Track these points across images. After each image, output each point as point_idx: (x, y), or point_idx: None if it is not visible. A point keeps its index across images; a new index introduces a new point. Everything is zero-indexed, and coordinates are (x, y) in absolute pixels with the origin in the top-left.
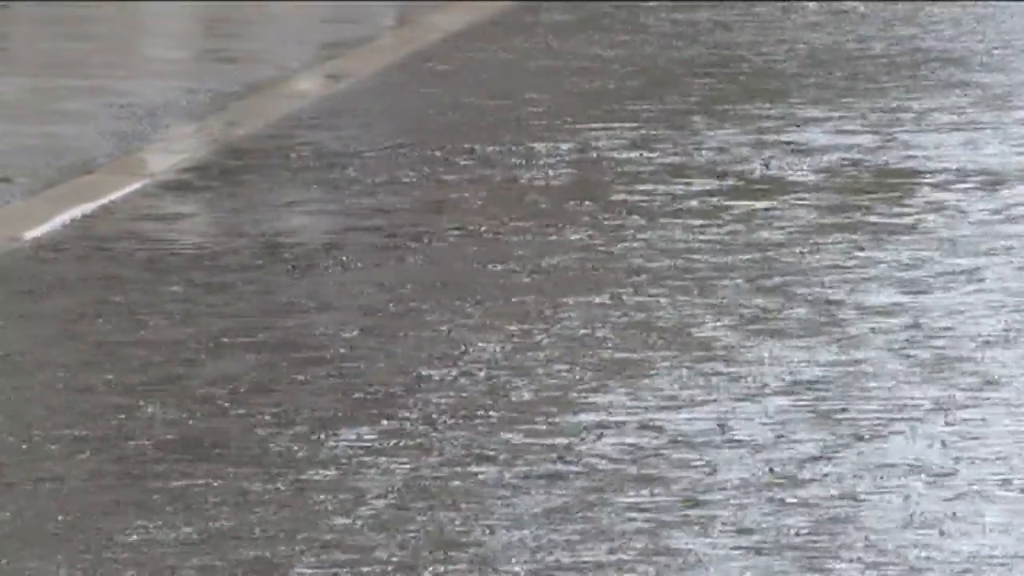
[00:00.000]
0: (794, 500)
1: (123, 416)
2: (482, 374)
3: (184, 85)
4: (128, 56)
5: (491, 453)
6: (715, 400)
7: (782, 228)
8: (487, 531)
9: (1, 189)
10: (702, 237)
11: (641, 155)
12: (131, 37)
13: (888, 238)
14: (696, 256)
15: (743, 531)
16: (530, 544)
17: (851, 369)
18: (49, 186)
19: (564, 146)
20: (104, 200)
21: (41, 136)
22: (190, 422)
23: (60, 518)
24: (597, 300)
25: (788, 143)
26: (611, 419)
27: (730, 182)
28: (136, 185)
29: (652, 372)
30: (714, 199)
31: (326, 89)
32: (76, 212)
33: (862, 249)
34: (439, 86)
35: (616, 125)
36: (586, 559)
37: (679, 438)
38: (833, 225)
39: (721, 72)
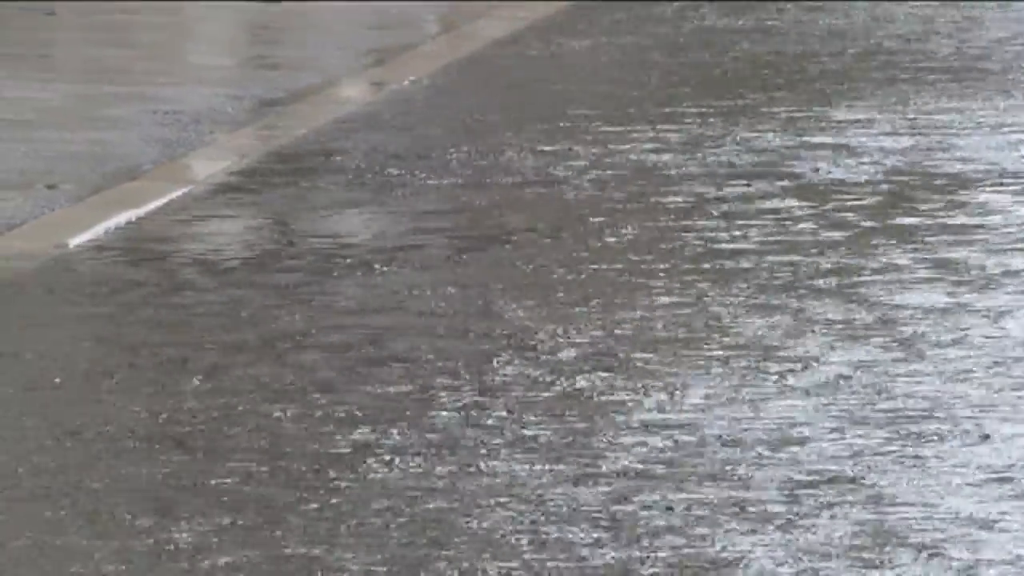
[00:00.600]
0: (843, 500)
1: (172, 420)
2: (556, 373)
3: (228, 92)
4: (172, 63)
5: (573, 454)
6: (771, 398)
7: (832, 229)
8: (550, 525)
9: (47, 196)
10: (751, 236)
11: (690, 156)
12: (175, 44)
13: (937, 239)
14: (744, 256)
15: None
16: (583, 540)
17: (901, 369)
18: (94, 192)
19: (612, 147)
20: (149, 206)
21: (86, 143)
22: (246, 424)
23: (119, 517)
24: (646, 302)
25: (836, 145)
26: (667, 418)
27: (781, 183)
28: (181, 191)
29: (720, 371)
30: (762, 200)
31: (370, 95)
32: (121, 218)
33: (913, 250)
34: (484, 91)
35: (666, 126)
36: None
37: (726, 436)
38: (883, 227)
39: (767, 74)
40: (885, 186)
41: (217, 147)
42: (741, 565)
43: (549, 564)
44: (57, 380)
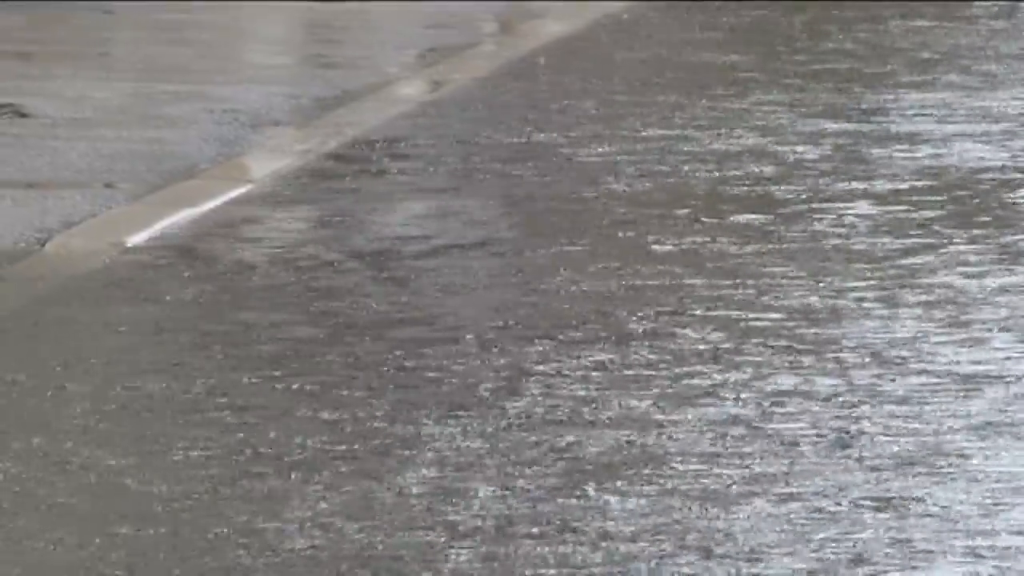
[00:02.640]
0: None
1: (239, 417)
2: (620, 366)
3: (286, 90)
4: (230, 61)
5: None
6: (842, 391)
7: (905, 221)
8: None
9: (104, 194)
10: (814, 230)
11: (746, 151)
12: (233, 42)
13: (1006, 232)
14: (808, 248)
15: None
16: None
17: (985, 368)
18: (152, 191)
19: (677, 146)
20: (206, 205)
21: (144, 141)
22: (309, 421)
23: (192, 533)
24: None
25: (901, 135)
26: (738, 413)
27: (847, 180)
28: (238, 190)
29: (798, 363)
30: (825, 201)
31: (428, 95)
32: (178, 217)
33: (986, 243)
34: (542, 91)
35: (732, 127)
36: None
37: (785, 433)
38: (953, 217)
39: (836, 70)
40: (953, 179)
41: (274, 146)
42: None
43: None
44: (116, 378)
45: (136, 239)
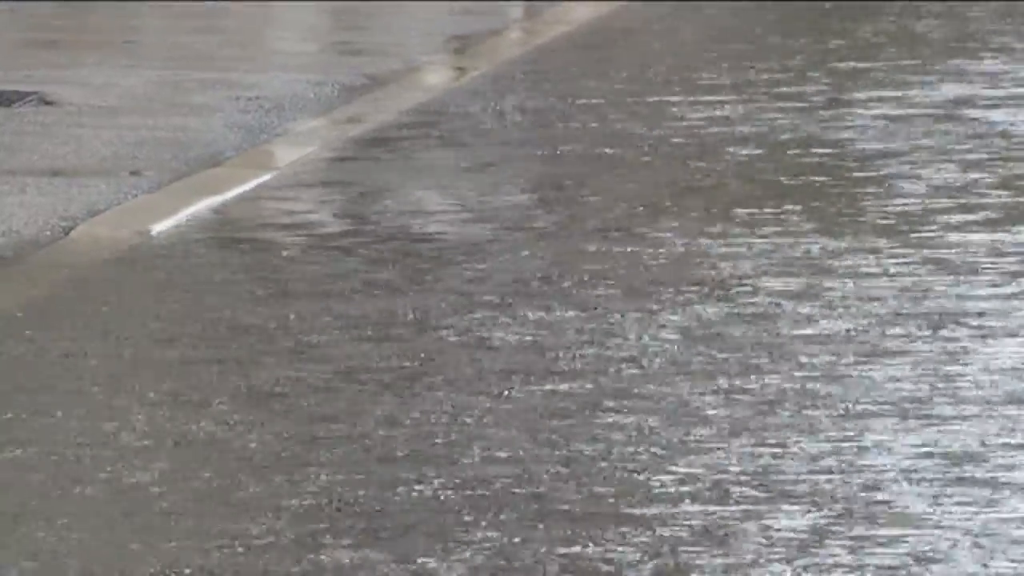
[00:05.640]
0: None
1: (266, 394)
2: (652, 355)
3: (311, 78)
4: (255, 49)
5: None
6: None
7: (974, 211)
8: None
9: (129, 182)
10: (865, 218)
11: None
12: (258, 30)
13: None
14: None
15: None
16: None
17: None
18: (177, 179)
19: (703, 131)
20: (231, 193)
21: (169, 129)
22: (340, 401)
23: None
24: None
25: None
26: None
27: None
28: (264, 178)
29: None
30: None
31: (454, 82)
32: (203, 205)
33: None
34: (567, 78)
35: (764, 115)
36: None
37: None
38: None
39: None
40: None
41: (299, 133)
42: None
43: None
44: (146, 365)
45: (161, 226)
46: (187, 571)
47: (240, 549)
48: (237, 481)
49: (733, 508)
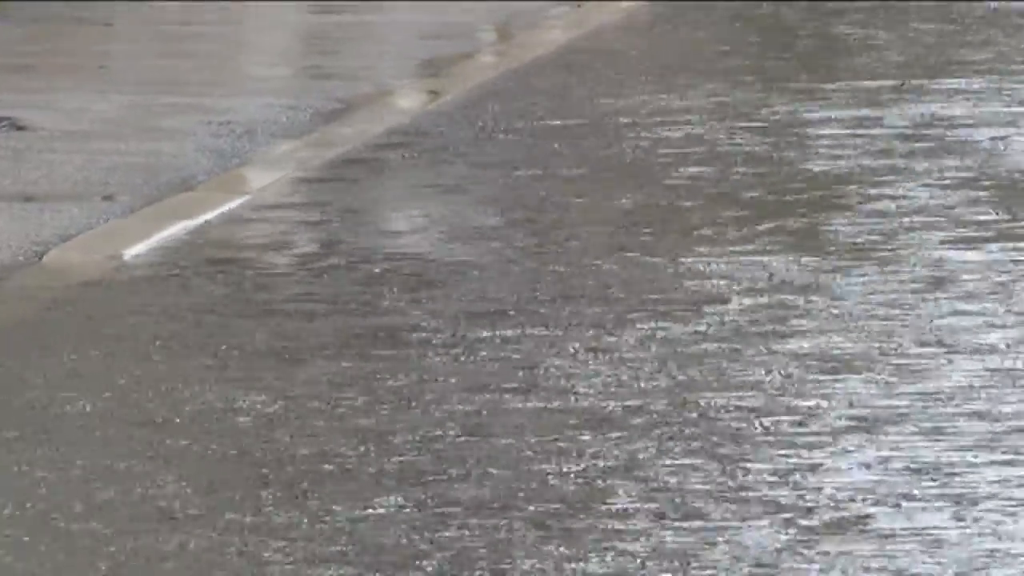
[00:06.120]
0: None
1: (242, 426)
2: (662, 362)
3: (283, 102)
4: (228, 73)
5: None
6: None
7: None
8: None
9: (102, 207)
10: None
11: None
12: (231, 54)
13: None
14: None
15: None
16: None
17: None
18: (149, 203)
19: (676, 152)
20: (203, 217)
21: (141, 154)
22: (311, 428)
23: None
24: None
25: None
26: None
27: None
28: (236, 202)
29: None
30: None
31: (426, 105)
32: (176, 229)
33: None
34: (541, 101)
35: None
36: None
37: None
38: None
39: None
40: None
41: (271, 158)
42: None
43: None
44: (119, 391)
45: (133, 251)
46: None
47: (231, 553)
48: (218, 505)
49: (699, 523)
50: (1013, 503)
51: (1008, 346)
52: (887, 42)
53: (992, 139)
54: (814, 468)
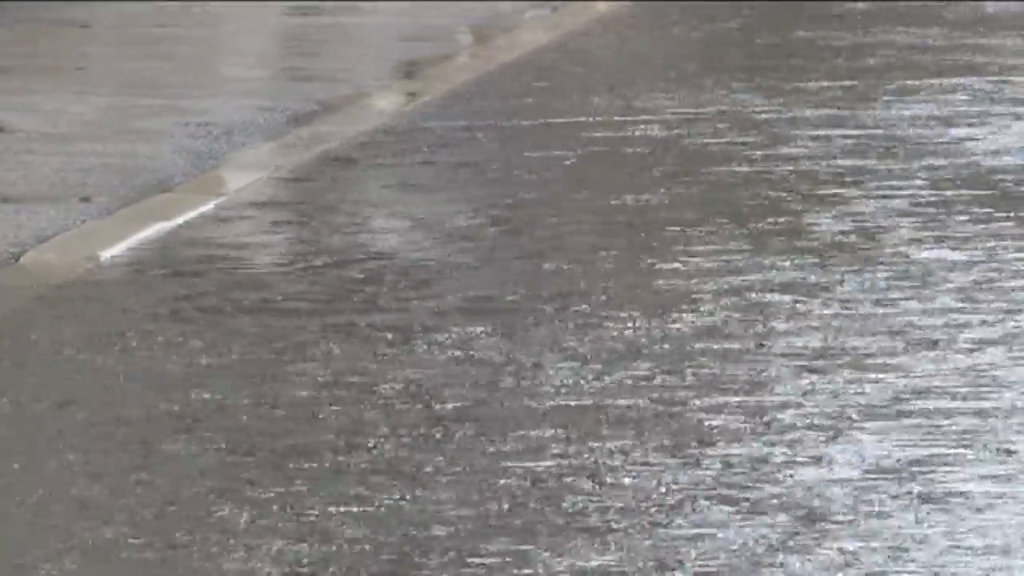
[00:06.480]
0: None
1: (220, 426)
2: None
3: (260, 104)
4: (205, 75)
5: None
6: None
7: None
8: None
9: (79, 208)
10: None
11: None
12: (209, 56)
13: None
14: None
15: None
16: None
17: None
18: (126, 204)
19: (650, 151)
20: (181, 219)
21: (118, 156)
22: (292, 422)
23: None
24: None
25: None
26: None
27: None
28: (212, 204)
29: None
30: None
31: (404, 106)
32: (153, 231)
33: None
34: (518, 102)
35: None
36: None
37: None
38: None
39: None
40: None
41: (248, 160)
42: None
43: None
44: (94, 393)
45: (110, 252)
46: None
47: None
48: (207, 509)
49: (681, 521)
50: (990, 497)
51: (991, 342)
52: (864, 45)
53: (969, 139)
54: (791, 463)
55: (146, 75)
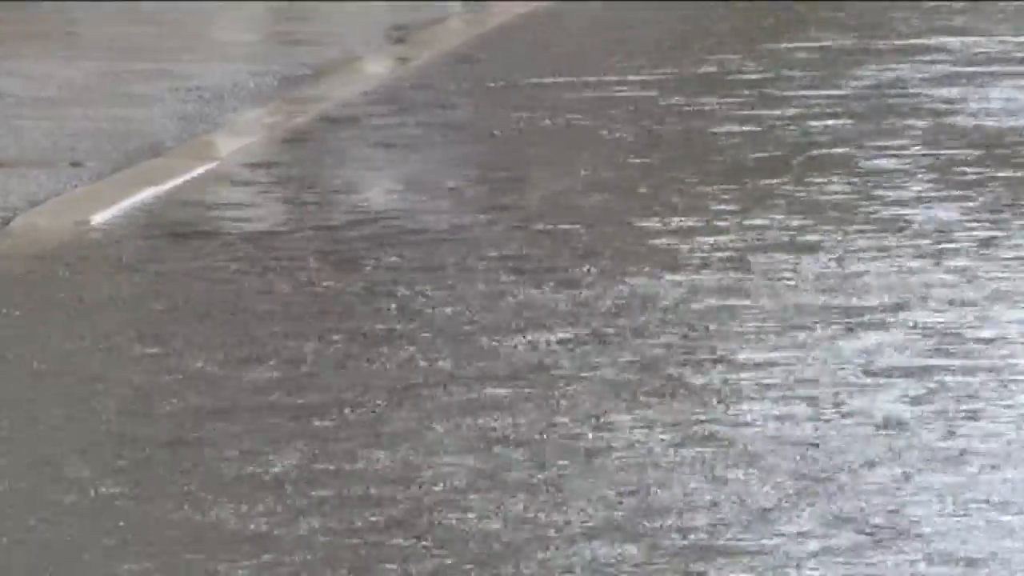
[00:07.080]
0: None
1: (203, 391)
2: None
3: (251, 68)
4: (196, 39)
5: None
6: None
7: None
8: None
9: (69, 173)
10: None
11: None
12: (199, 21)
13: None
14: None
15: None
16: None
17: None
18: (117, 170)
19: (641, 119)
20: (171, 183)
21: (109, 120)
22: (285, 391)
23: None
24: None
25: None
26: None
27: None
28: (203, 168)
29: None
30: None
31: (394, 71)
32: (144, 195)
33: None
34: (508, 66)
35: (724, 101)
36: None
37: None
38: None
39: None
40: None
41: (240, 123)
42: None
43: None
44: (82, 357)
45: (102, 217)
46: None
47: (200, 552)
48: (190, 487)
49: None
50: (987, 457)
51: (987, 300)
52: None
53: (960, 99)
54: (792, 416)
55: (136, 40)
